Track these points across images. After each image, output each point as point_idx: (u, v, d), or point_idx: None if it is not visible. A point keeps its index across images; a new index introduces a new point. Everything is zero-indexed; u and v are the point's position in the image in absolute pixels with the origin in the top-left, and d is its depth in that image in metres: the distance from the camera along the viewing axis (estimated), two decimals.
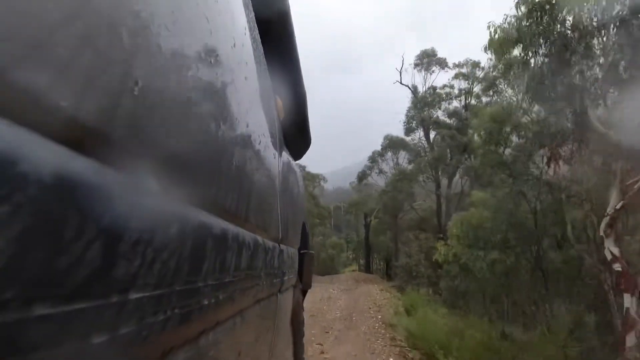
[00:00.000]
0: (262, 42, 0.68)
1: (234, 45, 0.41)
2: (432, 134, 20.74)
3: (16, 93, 0.14)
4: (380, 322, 6.87)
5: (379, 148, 22.58)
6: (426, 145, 20.90)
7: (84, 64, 0.16)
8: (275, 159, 0.69)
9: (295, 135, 1.06)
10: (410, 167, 20.84)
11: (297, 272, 1.16)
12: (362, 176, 23.36)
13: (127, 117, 0.20)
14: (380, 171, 23.79)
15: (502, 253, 10.05)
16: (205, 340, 0.32)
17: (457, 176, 18.91)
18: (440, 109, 19.90)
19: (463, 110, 19.37)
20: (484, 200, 11.12)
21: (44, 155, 0.15)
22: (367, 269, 23.02)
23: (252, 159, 0.47)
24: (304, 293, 1.46)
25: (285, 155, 0.90)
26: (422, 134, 21.30)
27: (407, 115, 21.10)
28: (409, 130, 21.50)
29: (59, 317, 0.15)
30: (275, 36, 0.83)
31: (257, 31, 0.62)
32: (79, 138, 0.17)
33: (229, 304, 0.39)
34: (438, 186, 19.74)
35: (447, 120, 19.79)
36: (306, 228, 1.35)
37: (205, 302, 0.31)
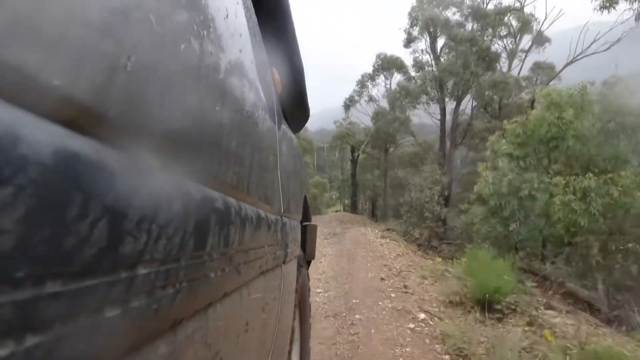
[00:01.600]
0: (256, 12, 0.65)
1: (227, 16, 0.39)
2: (440, 44, 16.99)
3: (8, 73, 0.13)
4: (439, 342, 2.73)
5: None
6: (431, 60, 17.39)
7: (73, 40, 0.16)
8: (274, 132, 0.67)
9: (294, 107, 0.97)
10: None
11: (300, 243, 1.18)
12: (349, 103, 19.96)
13: (122, 94, 0.20)
14: (370, 98, 20.43)
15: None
16: (214, 311, 0.33)
17: (468, 98, 15.87)
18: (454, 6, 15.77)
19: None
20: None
21: (43, 136, 0.15)
22: (353, 208, 20.80)
23: (251, 132, 0.46)
24: (308, 263, 1.49)
25: (284, 128, 0.86)
26: (426, 44, 17.43)
27: (409, 16, 17.00)
28: (410, 41, 17.73)
29: (71, 293, 0.16)
30: (269, 5, 0.79)
31: (250, 0, 0.60)
32: (75, 117, 0.17)
33: (235, 276, 0.39)
34: (443, 111, 16.77)
35: (462, 21, 15.85)
36: (307, 200, 1.35)
37: (212, 275, 0.32)
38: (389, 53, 18.63)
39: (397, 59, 18.62)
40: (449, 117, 16.57)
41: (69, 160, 0.16)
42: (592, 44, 14.44)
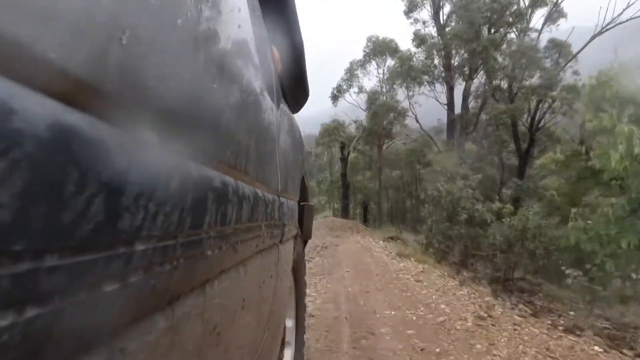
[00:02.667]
0: None
1: None
2: (444, 13, 14.60)
3: (3, 44, 0.13)
4: None
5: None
6: (434, 32, 15.14)
7: (69, 14, 0.16)
8: (273, 111, 0.66)
9: (293, 87, 0.96)
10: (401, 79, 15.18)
11: (297, 223, 1.17)
12: (337, 93, 17.59)
13: (118, 69, 0.19)
14: (360, 89, 18.09)
15: None
16: (211, 288, 0.34)
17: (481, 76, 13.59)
18: None
19: None
20: None
21: (38, 109, 0.14)
22: (344, 213, 18.33)
23: (249, 111, 0.46)
24: (305, 243, 1.50)
25: (284, 108, 0.86)
26: (429, 12, 14.98)
27: None
28: (411, 8, 15.45)
29: (70, 267, 0.16)
30: None
31: None
32: (71, 92, 0.17)
33: (232, 254, 0.39)
34: (450, 90, 14.49)
35: None
36: (305, 181, 1.37)
37: (209, 253, 0.32)
38: (381, 35, 16.33)
39: (392, 41, 16.40)
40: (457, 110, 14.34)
41: (65, 135, 0.16)
42: (626, 8, 12.15)
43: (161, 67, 0.23)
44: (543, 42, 14.10)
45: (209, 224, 0.31)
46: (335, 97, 17.87)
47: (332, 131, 18.01)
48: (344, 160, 18.34)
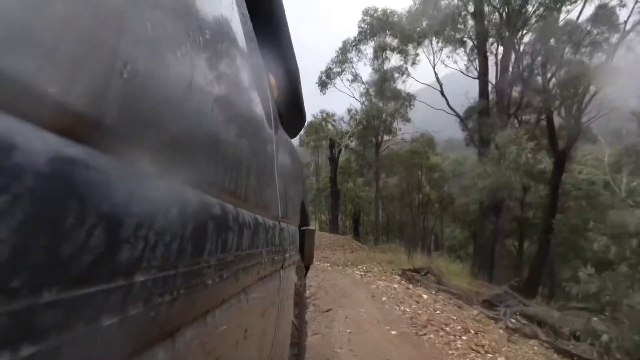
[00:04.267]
0: (251, 18, 0.63)
1: (222, 22, 0.40)
2: None
3: (3, 80, 0.13)
4: None
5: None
6: None
7: (68, 48, 0.16)
8: (271, 137, 0.68)
9: (290, 112, 0.97)
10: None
11: (298, 248, 1.18)
12: (325, 79, 14.34)
13: (118, 101, 0.20)
14: (355, 77, 14.91)
15: None
16: (212, 318, 0.34)
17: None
18: None
19: None
20: None
21: (38, 144, 0.15)
22: (334, 226, 14.89)
23: (248, 138, 0.47)
24: (307, 268, 1.51)
25: (281, 133, 0.88)
26: None
27: None
28: None
29: (67, 302, 0.16)
30: (264, 11, 0.79)
31: (244, 6, 0.59)
32: (70, 125, 0.17)
33: (233, 282, 0.40)
34: (484, 59, 11.37)
35: None
36: (305, 205, 1.40)
37: (210, 282, 0.32)
38: (380, 7, 13.25)
39: (394, 13, 13.35)
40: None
41: (65, 168, 0.16)
42: None
43: (161, 98, 0.24)
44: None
45: (210, 252, 0.31)
46: (323, 84, 14.68)
47: (319, 127, 14.72)
48: (333, 160, 15.05)
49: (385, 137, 15.00)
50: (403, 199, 20.09)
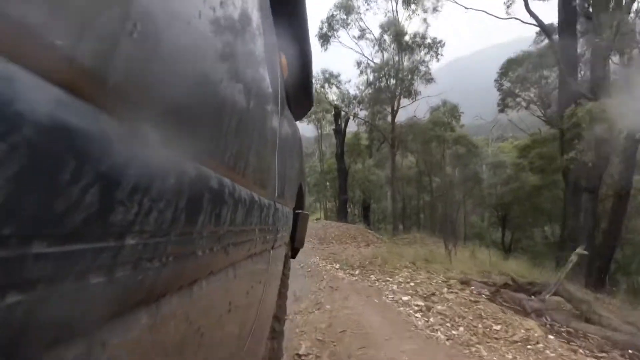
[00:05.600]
0: None
1: None
2: None
3: (11, 30, 0.13)
4: None
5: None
6: None
7: (81, 3, 0.16)
8: (276, 117, 0.68)
9: (298, 95, 0.99)
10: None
11: (291, 230, 1.18)
12: (327, 31, 11.47)
13: (125, 63, 0.20)
14: (363, 32, 12.07)
15: None
16: (198, 288, 0.34)
17: None
18: None
19: None
20: None
21: (40, 95, 0.15)
22: (342, 213, 12.25)
23: (252, 115, 0.47)
24: (296, 251, 1.52)
25: (287, 115, 0.87)
26: None
27: None
28: None
29: (56, 255, 0.16)
30: None
31: None
32: (74, 80, 0.17)
33: (223, 256, 0.40)
34: None
35: None
36: (303, 189, 1.36)
37: (200, 253, 0.32)
38: None
39: None
40: None
41: (65, 123, 0.16)
42: None
43: (169, 64, 0.24)
44: None
45: (203, 223, 0.31)
46: (324, 38, 11.82)
47: (321, 92, 11.90)
48: (339, 133, 12.32)
49: (403, 104, 12.25)
50: (421, 180, 17.38)
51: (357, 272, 4.85)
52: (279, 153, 0.71)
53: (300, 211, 1.33)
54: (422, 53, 10.92)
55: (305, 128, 16.54)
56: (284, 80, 0.79)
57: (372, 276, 4.45)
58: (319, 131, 15.18)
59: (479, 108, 15.56)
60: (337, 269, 5.41)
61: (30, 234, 0.14)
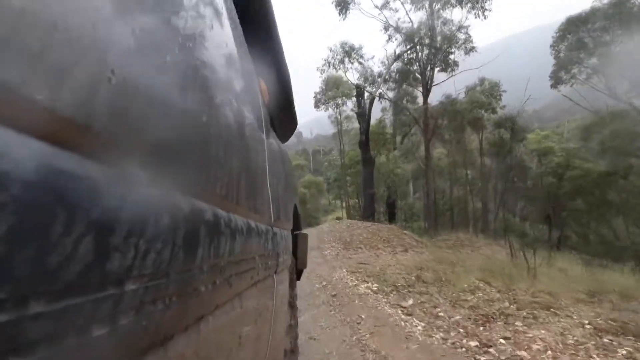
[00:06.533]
0: (241, 23, 0.64)
1: (212, 28, 0.41)
2: None
3: None
4: None
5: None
6: None
7: (55, 55, 0.16)
8: (262, 142, 0.68)
9: (281, 117, 0.99)
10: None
11: (291, 252, 1.18)
12: None
13: (106, 109, 0.20)
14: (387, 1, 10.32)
15: None
16: (205, 325, 0.34)
17: None
18: None
19: None
20: None
21: (25, 151, 0.15)
22: (368, 211, 10.55)
23: (239, 143, 0.47)
24: (300, 272, 1.51)
25: (273, 138, 0.89)
26: None
27: None
28: None
29: (56, 313, 0.15)
30: (253, 16, 0.80)
31: (234, 12, 0.61)
32: (58, 131, 0.17)
33: (226, 288, 0.40)
34: None
35: None
36: (297, 209, 1.35)
37: (202, 288, 0.32)
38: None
39: None
40: None
41: (52, 176, 0.16)
42: None
43: (150, 104, 0.24)
44: None
45: (202, 258, 0.31)
46: (342, 5, 10.06)
47: (338, 81, 10.16)
48: (362, 117, 10.56)
49: (438, 79, 10.39)
50: (455, 172, 15.39)
51: (409, 300, 3.18)
52: (269, 177, 0.71)
53: (298, 232, 1.36)
54: (465, 10, 9.01)
55: (321, 118, 14.91)
56: (266, 105, 0.80)
57: (437, 310, 2.76)
58: (338, 117, 13.48)
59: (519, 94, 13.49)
60: (374, 291, 3.75)
61: (27, 294, 0.14)
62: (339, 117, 13.29)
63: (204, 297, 0.32)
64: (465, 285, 3.72)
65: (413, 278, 4.61)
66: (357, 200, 17.17)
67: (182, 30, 0.30)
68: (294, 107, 1.02)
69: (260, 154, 0.63)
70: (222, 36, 0.44)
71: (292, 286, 1.27)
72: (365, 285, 4.14)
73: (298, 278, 1.50)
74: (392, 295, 3.59)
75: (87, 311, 0.17)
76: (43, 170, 0.15)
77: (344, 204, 16.84)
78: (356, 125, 15.38)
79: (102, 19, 0.19)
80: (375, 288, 3.92)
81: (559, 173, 13.21)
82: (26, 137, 0.15)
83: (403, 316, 2.60)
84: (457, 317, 2.52)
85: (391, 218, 13.08)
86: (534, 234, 15.80)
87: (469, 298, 3.19)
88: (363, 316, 2.61)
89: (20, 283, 0.14)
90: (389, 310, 2.77)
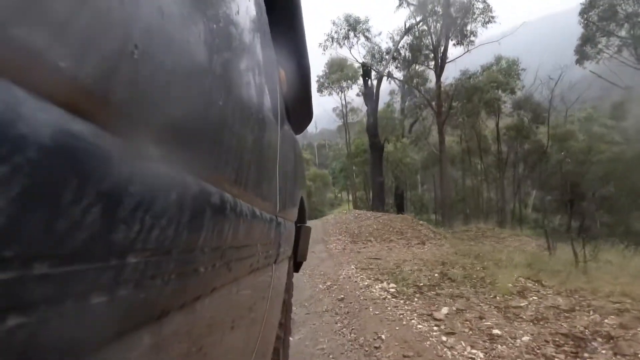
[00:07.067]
0: (267, 11, 0.65)
1: (238, 12, 0.41)
2: None
3: (14, 51, 0.14)
4: None
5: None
6: None
7: (82, 24, 0.17)
8: (276, 131, 0.68)
9: (298, 108, 1.00)
10: None
11: (293, 244, 1.19)
12: None
13: (126, 82, 0.20)
14: None
15: None
16: (201, 305, 0.35)
17: None
18: None
19: None
20: None
21: (43, 116, 0.15)
22: (378, 199, 9.69)
23: (253, 129, 0.48)
24: (299, 265, 1.55)
25: (287, 128, 0.89)
26: None
27: None
28: None
29: (58, 276, 0.16)
30: (281, 4, 0.79)
31: None
32: (77, 101, 0.17)
33: (225, 272, 0.41)
34: None
35: None
36: (304, 202, 1.40)
37: (202, 269, 0.33)
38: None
39: None
40: None
41: (67, 143, 0.16)
42: None
43: (169, 82, 0.25)
44: None
45: (205, 240, 0.32)
46: None
47: (342, 63, 9.27)
48: (369, 98, 9.65)
49: (452, 55, 9.45)
50: (468, 160, 14.44)
51: (442, 308, 2.37)
52: (279, 167, 0.72)
53: (302, 224, 1.37)
54: None
55: (326, 112, 14.07)
56: (283, 95, 0.81)
57: (487, 325, 1.95)
58: (343, 103, 12.62)
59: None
60: (393, 294, 2.97)
61: (31, 256, 0.15)
62: (344, 102, 12.42)
63: (202, 278, 0.33)
64: (510, 284, 2.91)
65: (436, 275, 3.81)
66: (364, 192, 16.34)
67: (208, 12, 0.31)
68: (311, 100, 1.00)
69: (272, 143, 0.64)
70: (247, 21, 0.45)
71: (289, 277, 1.28)
72: (380, 285, 3.35)
73: (296, 270, 1.56)
74: (416, 299, 2.80)
75: (89, 278, 0.18)
76: (59, 137, 0.16)
77: (350, 197, 16.04)
78: (361, 117, 14.48)
79: None
80: (393, 290, 3.13)
81: (583, 158, 12.21)
82: (46, 103, 0.15)
83: (442, 336, 1.79)
84: (526, 339, 1.71)
85: (399, 210, 12.24)
86: (555, 223, 14.86)
87: (522, 304, 2.38)
88: (383, 335, 1.82)
89: (27, 244, 0.14)
90: (419, 325, 1.97)
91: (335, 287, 3.53)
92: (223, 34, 0.34)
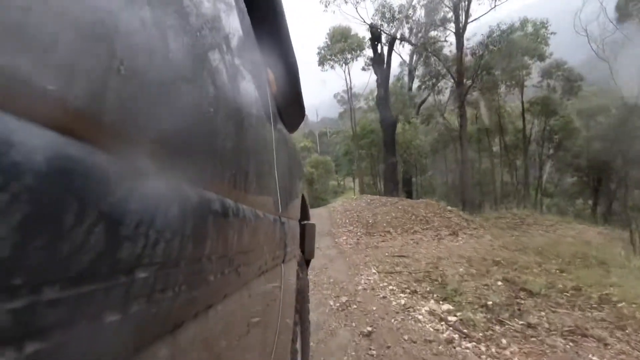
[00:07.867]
0: (249, 13, 0.64)
1: (220, 18, 0.42)
2: None
3: (1, 77, 0.14)
4: None
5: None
6: None
7: (66, 46, 0.17)
8: (270, 132, 0.69)
9: (289, 107, 0.96)
10: None
11: (299, 242, 1.22)
12: None
13: (116, 98, 0.20)
14: None
15: None
16: (214, 313, 0.35)
17: None
18: None
19: None
20: None
21: (37, 142, 0.15)
22: (392, 184, 8.50)
23: (246, 133, 0.48)
24: (308, 262, 1.53)
25: (280, 128, 0.88)
26: None
27: None
28: None
29: (68, 299, 0.16)
30: (262, 6, 0.76)
31: (242, 1, 0.62)
32: (69, 122, 0.17)
33: (235, 277, 0.41)
34: None
35: None
36: (305, 199, 1.40)
37: (211, 277, 0.33)
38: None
39: None
40: None
41: (64, 166, 0.16)
42: None
43: (159, 94, 0.25)
44: None
45: (211, 247, 0.33)
46: None
47: (345, 32, 7.94)
48: (379, 66, 8.33)
49: (474, 16, 8.11)
50: (486, 140, 13.17)
51: None
52: (277, 167, 0.72)
53: (306, 222, 1.39)
54: None
55: (327, 100, 12.74)
56: (273, 96, 0.81)
57: None
58: (348, 79, 11.30)
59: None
60: (458, 328, 1.79)
61: (40, 282, 0.15)
62: (348, 77, 11.09)
63: (213, 286, 0.33)
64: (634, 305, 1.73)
65: (500, 284, 2.64)
66: (371, 177, 15.12)
67: (191, 21, 0.31)
68: (301, 98, 0.98)
69: (267, 144, 0.65)
70: (230, 26, 0.45)
71: (299, 277, 1.25)
72: (427, 307, 2.20)
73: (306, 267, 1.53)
74: (504, 341, 1.62)
75: (100, 298, 0.18)
76: (55, 161, 0.16)
77: (356, 183, 14.83)
78: (365, 105, 13.10)
79: (111, 9, 0.20)
80: (453, 317, 1.95)
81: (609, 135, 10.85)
82: (39, 128, 0.15)
83: None
84: None
85: (408, 196, 11.07)
86: (574, 206, 13.68)
87: None
88: None
89: (34, 270, 0.14)
90: None
91: (354, 306, 2.39)
92: (207, 42, 0.34)
